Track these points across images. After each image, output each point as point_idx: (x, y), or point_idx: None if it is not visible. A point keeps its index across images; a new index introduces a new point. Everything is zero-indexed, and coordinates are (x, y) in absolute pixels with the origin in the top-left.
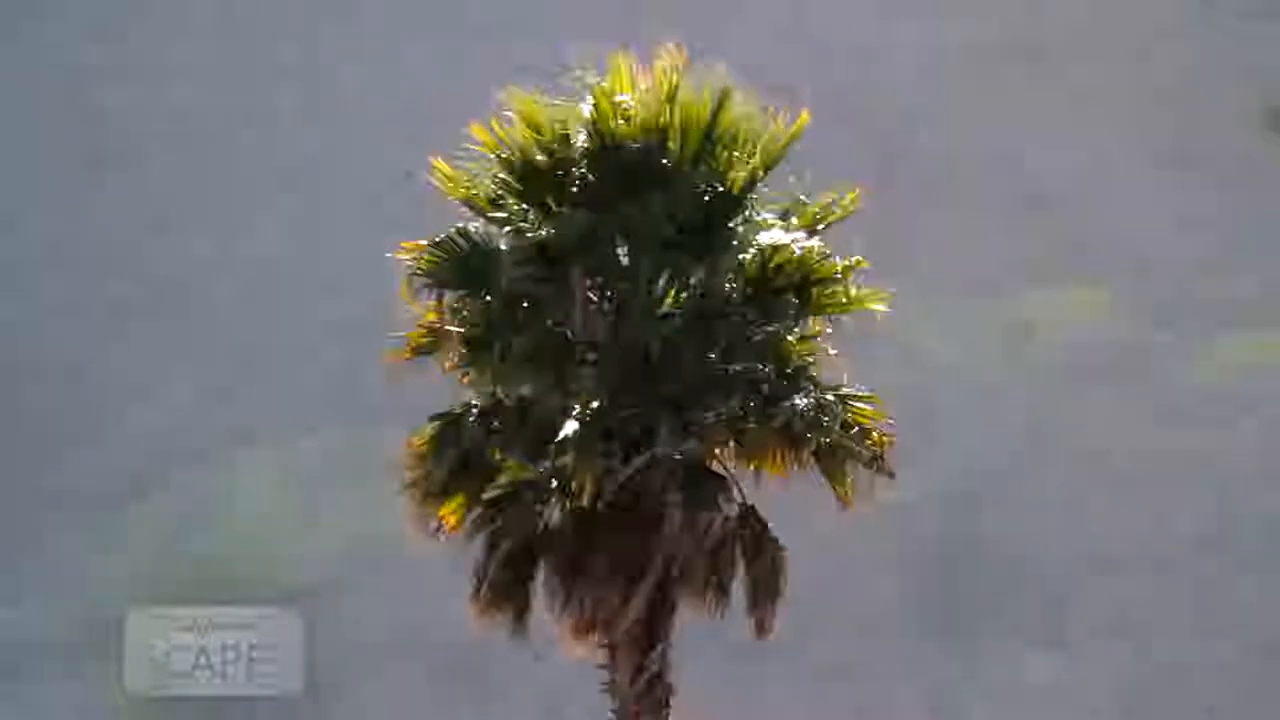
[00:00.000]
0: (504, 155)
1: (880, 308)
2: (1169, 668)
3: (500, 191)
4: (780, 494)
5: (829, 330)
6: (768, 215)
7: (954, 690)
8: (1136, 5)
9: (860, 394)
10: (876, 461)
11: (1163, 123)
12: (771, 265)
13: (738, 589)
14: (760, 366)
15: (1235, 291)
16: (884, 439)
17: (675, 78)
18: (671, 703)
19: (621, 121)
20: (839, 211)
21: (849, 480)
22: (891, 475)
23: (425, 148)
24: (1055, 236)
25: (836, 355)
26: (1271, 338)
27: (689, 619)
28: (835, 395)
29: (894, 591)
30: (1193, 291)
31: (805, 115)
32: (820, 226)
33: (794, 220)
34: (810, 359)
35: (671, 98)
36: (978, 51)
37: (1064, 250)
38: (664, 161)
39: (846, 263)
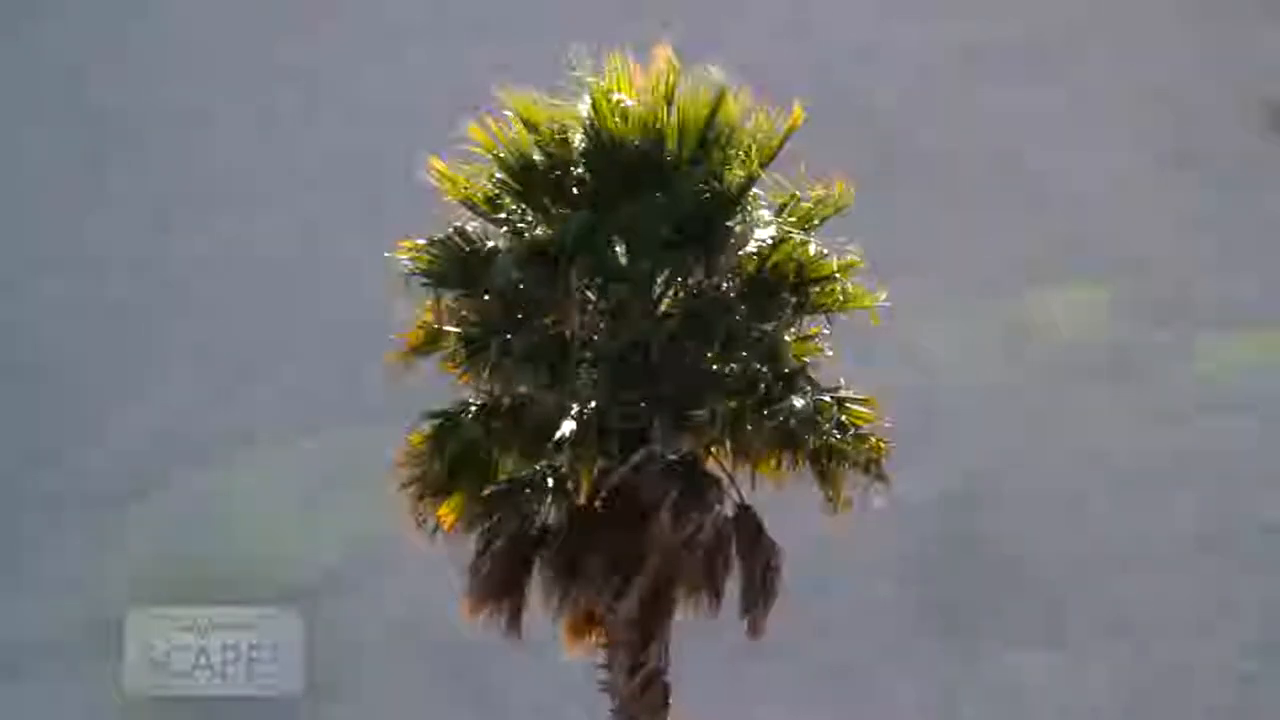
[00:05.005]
0: (501, 155)
1: (877, 303)
2: (1169, 668)
3: (498, 191)
4: (780, 494)
5: (826, 330)
6: (765, 214)
7: (954, 690)
8: (1136, 5)
9: (857, 396)
10: (872, 465)
11: (1163, 123)
12: (769, 264)
13: (737, 589)
14: (758, 366)
15: (1235, 291)
16: (880, 443)
17: (673, 77)
18: (670, 701)
19: (619, 121)
20: (831, 206)
21: (843, 483)
22: (886, 481)
23: (425, 148)
24: (1055, 236)
25: (834, 355)
26: (1271, 338)
27: (688, 619)
28: (832, 397)
29: (894, 591)
30: (1193, 291)
31: (799, 110)
32: (815, 222)
33: (788, 217)
34: (808, 359)
35: (669, 97)
36: (978, 51)
37: (1064, 250)
38: (662, 161)
39: (844, 261)
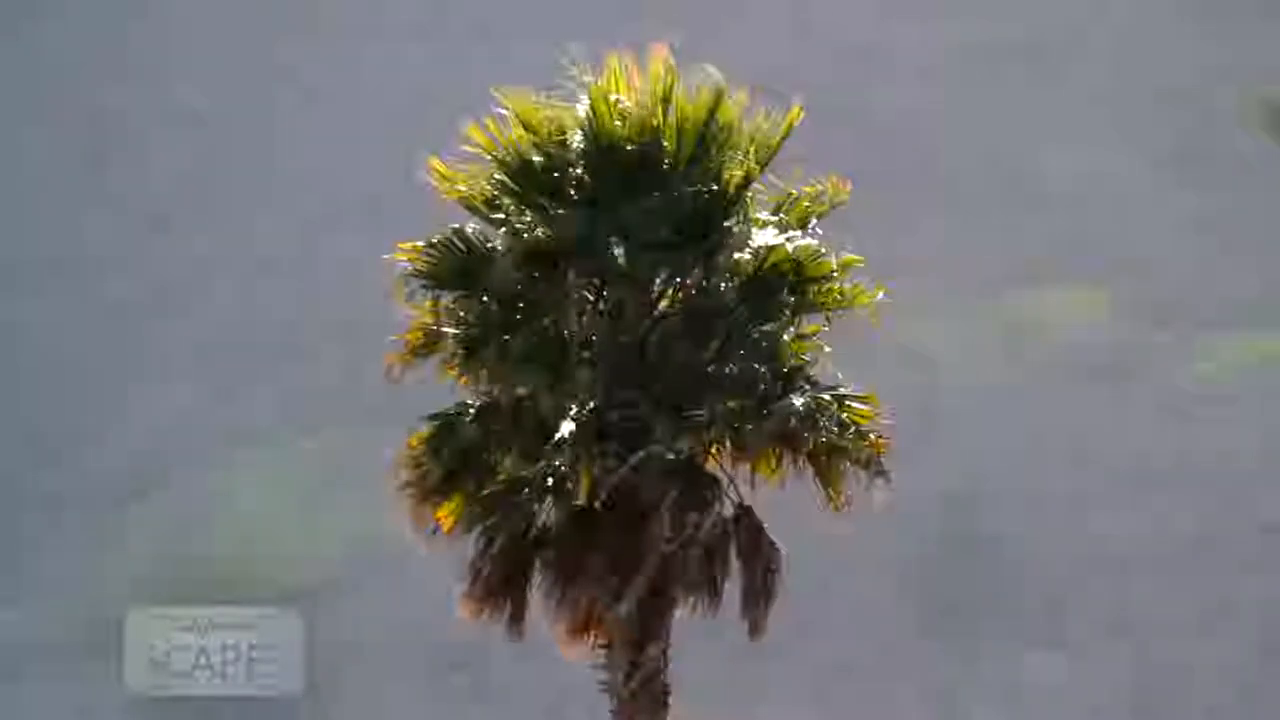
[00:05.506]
0: (500, 156)
1: (875, 300)
2: (1169, 668)
3: (496, 192)
4: (781, 493)
5: (826, 329)
6: (763, 214)
7: (954, 690)
8: (1137, 5)
9: (856, 394)
10: (872, 463)
11: (1163, 123)
12: (767, 264)
13: (737, 590)
14: (756, 366)
15: (1235, 291)
16: (880, 441)
17: (671, 78)
18: (670, 702)
19: (617, 122)
20: (827, 203)
21: (843, 482)
22: (887, 478)
23: (425, 148)
24: (1055, 236)
25: (834, 355)
26: (1271, 338)
27: (688, 619)
28: (831, 395)
29: (894, 591)
30: (1193, 291)
31: (797, 110)
32: (812, 220)
33: (786, 217)
34: (806, 358)
35: (667, 98)
36: (978, 51)
37: (1064, 250)
38: (660, 161)
39: (842, 259)
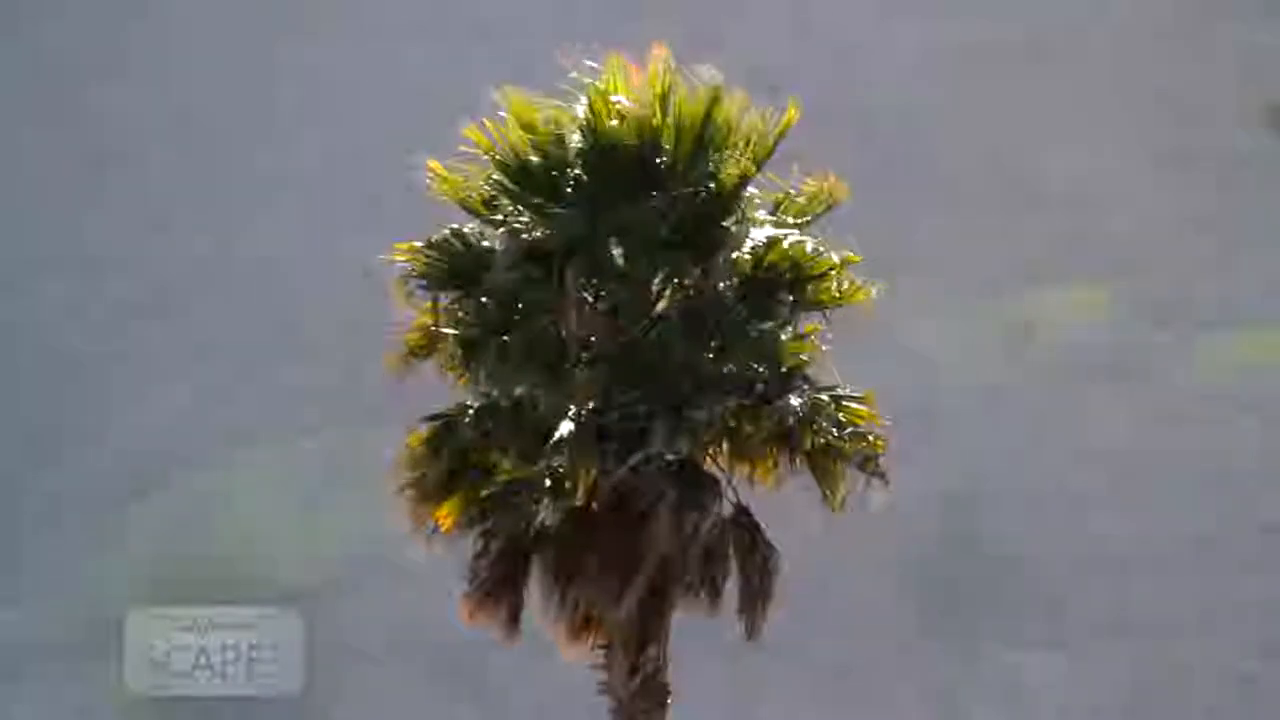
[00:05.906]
0: (498, 156)
1: (872, 295)
2: (1169, 668)
3: (495, 192)
4: (780, 494)
5: (824, 328)
6: (760, 213)
7: (954, 690)
8: (1136, 5)
9: (854, 394)
10: (870, 464)
11: (1163, 123)
12: (765, 263)
13: (736, 590)
14: (755, 366)
15: (1235, 291)
16: (878, 441)
17: (669, 78)
18: (669, 702)
19: (615, 122)
20: (823, 202)
21: (841, 482)
22: (885, 479)
23: (425, 148)
24: (1055, 236)
25: (833, 356)
26: (1271, 338)
27: (688, 620)
28: (829, 395)
29: (894, 591)
30: (1193, 291)
31: (793, 109)
32: (808, 218)
33: (783, 215)
34: (805, 358)
35: (665, 98)
36: (978, 51)
37: (1064, 250)
38: (658, 161)
39: (840, 257)
